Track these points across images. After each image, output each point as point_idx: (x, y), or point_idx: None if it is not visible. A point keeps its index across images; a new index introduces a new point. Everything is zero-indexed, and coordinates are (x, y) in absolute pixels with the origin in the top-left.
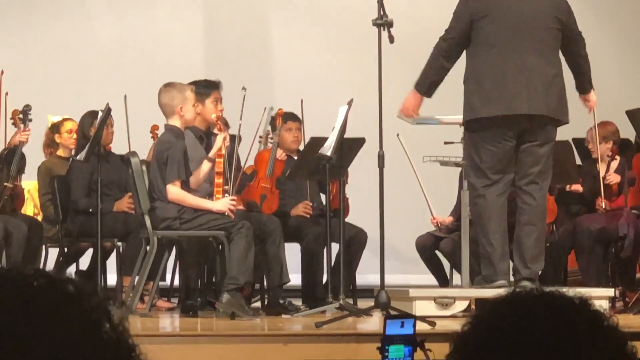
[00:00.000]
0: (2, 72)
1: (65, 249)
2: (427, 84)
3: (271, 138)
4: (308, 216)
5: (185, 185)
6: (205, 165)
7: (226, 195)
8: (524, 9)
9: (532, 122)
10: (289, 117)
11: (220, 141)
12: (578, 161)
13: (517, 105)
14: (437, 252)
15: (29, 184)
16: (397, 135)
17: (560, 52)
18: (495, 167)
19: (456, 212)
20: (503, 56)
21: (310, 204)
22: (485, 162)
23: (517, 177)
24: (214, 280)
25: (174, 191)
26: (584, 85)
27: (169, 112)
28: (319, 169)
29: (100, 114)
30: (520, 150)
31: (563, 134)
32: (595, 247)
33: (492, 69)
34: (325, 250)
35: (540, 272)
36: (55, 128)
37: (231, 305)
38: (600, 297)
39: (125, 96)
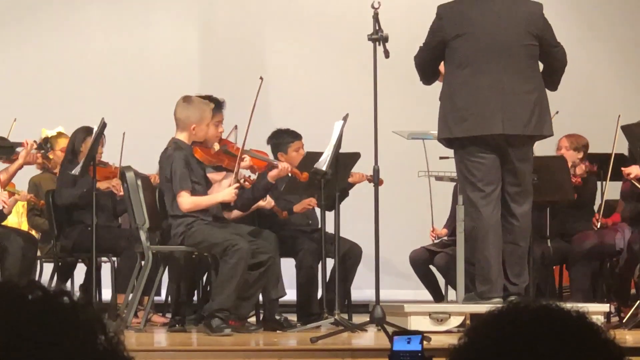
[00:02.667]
0: (15, 119)
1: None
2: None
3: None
4: (311, 208)
5: (194, 193)
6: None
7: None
8: (498, 27)
9: (508, 141)
10: (293, 135)
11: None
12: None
13: (492, 125)
14: (431, 266)
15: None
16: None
17: (539, 69)
18: (486, 178)
19: (450, 225)
20: (477, 75)
21: (315, 201)
22: (475, 176)
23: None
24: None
25: (185, 201)
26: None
27: (181, 127)
28: (314, 184)
29: (95, 129)
30: (502, 168)
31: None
32: (589, 263)
33: (467, 89)
34: (320, 265)
35: (525, 286)
36: (49, 143)
37: (206, 329)
38: (596, 312)
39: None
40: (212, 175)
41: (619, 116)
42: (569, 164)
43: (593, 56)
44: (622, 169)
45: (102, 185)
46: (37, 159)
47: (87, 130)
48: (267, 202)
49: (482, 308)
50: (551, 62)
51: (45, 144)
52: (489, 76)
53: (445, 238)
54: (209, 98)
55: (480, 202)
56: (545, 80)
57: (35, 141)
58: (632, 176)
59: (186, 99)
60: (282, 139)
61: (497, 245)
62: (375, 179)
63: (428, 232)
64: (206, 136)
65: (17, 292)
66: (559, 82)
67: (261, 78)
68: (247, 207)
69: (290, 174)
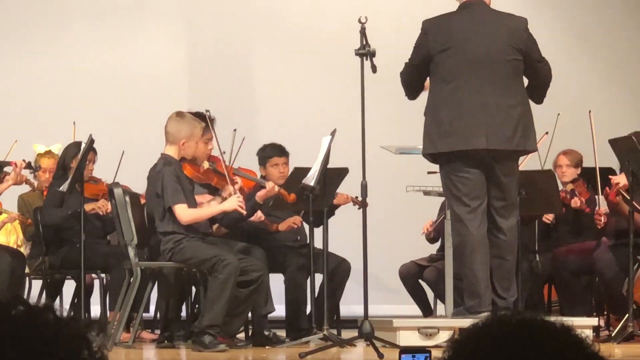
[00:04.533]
0: (16, 141)
1: (48, 280)
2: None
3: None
4: (296, 227)
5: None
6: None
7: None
8: (482, 42)
9: (492, 156)
10: (277, 151)
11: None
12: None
13: (476, 139)
14: (420, 281)
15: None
16: None
17: (523, 84)
18: (471, 193)
19: (436, 233)
20: (461, 90)
21: (300, 219)
22: (461, 190)
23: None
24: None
25: (184, 213)
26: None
27: (170, 141)
28: (302, 199)
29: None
30: (487, 182)
31: (547, 164)
32: (576, 281)
33: (450, 103)
34: (308, 280)
35: (513, 300)
36: (37, 163)
37: (198, 346)
38: (584, 326)
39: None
40: (197, 198)
41: (590, 112)
42: (569, 180)
43: (581, 67)
44: (610, 177)
45: (87, 207)
46: (23, 178)
47: (78, 146)
48: (257, 216)
49: (470, 322)
50: (536, 77)
51: (35, 163)
52: (473, 91)
53: (434, 252)
54: (200, 115)
55: (466, 216)
56: (530, 94)
57: (24, 160)
58: (620, 185)
59: (179, 114)
60: (265, 152)
61: (485, 260)
62: (363, 194)
63: (416, 247)
64: (195, 153)
65: (0, 308)
66: (544, 96)
67: (235, 130)
68: (233, 226)
69: (278, 194)
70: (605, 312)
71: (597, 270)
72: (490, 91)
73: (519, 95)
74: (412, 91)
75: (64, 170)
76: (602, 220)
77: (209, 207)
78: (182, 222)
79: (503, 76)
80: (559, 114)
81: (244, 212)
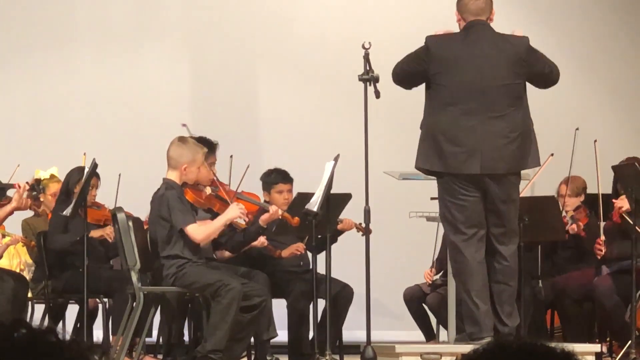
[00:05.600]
0: (19, 165)
1: (51, 304)
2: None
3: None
4: (299, 254)
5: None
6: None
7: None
8: (481, 66)
9: (489, 179)
10: (281, 177)
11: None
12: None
13: (470, 165)
14: (424, 305)
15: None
16: None
17: (523, 104)
18: (468, 221)
19: (439, 264)
20: (457, 115)
21: (304, 246)
22: (457, 218)
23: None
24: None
25: (197, 231)
26: None
27: (172, 165)
28: (305, 225)
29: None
30: (485, 209)
31: (553, 188)
32: (578, 308)
33: (446, 128)
34: (311, 306)
35: (515, 326)
36: (42, 185)
37: None
38: (586, 352)
39: None
40: (199, 223)
41: (595, 141)
42: (571, 209)
43: (583, 94)
44: (614, 201)
45: (95, 234)
46: (27, 203)
47: (82, 171)
48: (261, 242)
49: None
50: (546, 83)
51: (38, 186)
52: (470, 116)
53: (437, 277)
54: (203, 140)
55: (461, 244)
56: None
57: (27, 182)
58: (623, 209)
59: (181, 139)
60: (270, 178)
61: (483, 285)
62: (366, 220)
63: (419, 272)
64: (196, 178)
65: (2, 330)
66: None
67: (231, 156)
68: (238, 249)
69: (281, 217)
70: (608, 339)
71: (596, 299)
72: (487, 117)
73: (517, 120)
74: (405, 84)
75: (67, 194)
76: (603, 251)
77: (215, 222)
78: (197, 241)
79: (501, 101)
80: (577, 129)
81: (246, 220)
